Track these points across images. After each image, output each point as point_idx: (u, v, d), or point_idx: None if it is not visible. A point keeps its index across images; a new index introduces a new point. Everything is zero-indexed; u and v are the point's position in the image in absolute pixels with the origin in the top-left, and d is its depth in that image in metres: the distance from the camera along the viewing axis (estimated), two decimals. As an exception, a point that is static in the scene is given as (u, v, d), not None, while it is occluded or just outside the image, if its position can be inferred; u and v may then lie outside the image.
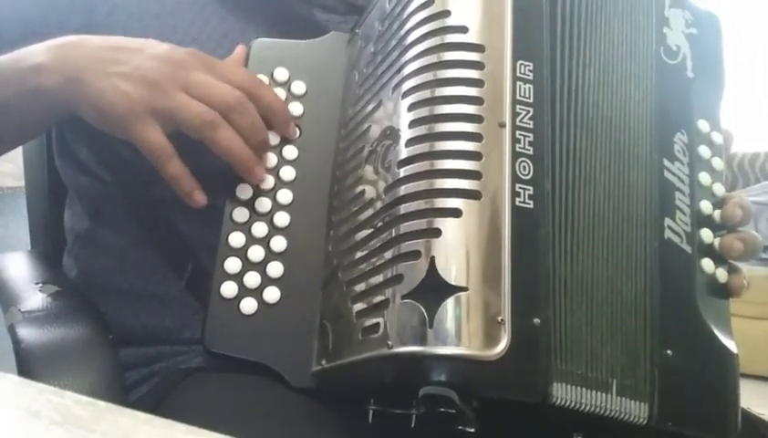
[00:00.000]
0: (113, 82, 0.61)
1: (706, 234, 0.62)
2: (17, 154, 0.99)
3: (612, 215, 0.58)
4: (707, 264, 0.61)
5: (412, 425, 0.52)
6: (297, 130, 0.68)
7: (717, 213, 0.63)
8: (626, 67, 0.62)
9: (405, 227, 0.52)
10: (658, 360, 0.56)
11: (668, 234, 0.59)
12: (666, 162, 0.61)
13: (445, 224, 0.51)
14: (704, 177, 0.63)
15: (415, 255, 0.51)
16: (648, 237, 0.59)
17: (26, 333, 0.64)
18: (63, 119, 0.70)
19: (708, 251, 0.61)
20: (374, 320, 0.53)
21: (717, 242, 0.62)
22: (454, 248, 0.50)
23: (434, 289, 0.49)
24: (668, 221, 0.60)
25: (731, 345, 0.59)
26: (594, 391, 0.53)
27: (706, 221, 0.62)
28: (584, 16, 0.60)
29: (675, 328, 0.58)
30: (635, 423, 0.54)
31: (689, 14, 0.66)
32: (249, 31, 0.72)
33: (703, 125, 0.64)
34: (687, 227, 0.60)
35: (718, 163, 0.64)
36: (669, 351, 0.56)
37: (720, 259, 0.62)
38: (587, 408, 0.52)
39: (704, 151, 0.64)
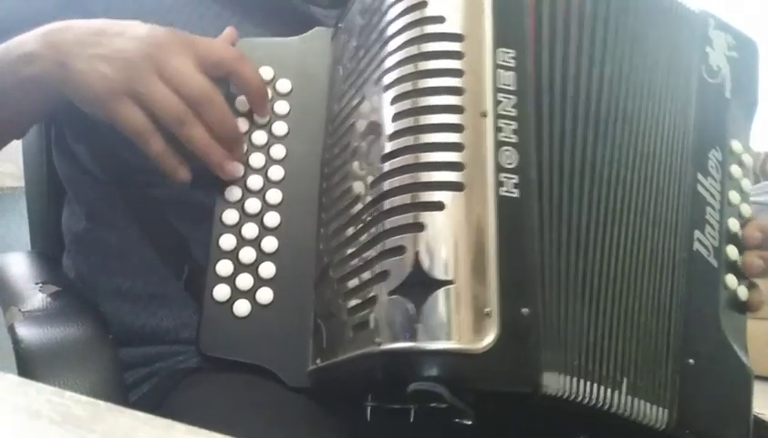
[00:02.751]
0: (93, 64, 0.61)
1: (732, 251, 0.63)
2: (17, 154, 0.99)
3: (634, 217, 0.58)
4: (731, 280, 0.62)
5: (411, 420, 0.52)
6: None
7: (741, 232, 0.64)
8: (663, 77, 0.62)
9: (390, 222, 0.52)
10: (679, 368, 0.56)
11: (696, 246, 0.60)
12: (700, 177, 0.62)
13: (430, 217, 0.50)
14: (734, 196, 0.65)
15: (400, 250, 0.50)
16: (677, 246, 0.59)
17: (26, 333, 0.64)
18: (57, 105, 0.71)
19: (732, 267, 0.63)
20: (364, 317, 0.52)
21: (741, 259, 0.63)
22: (439, 242, 0.50)
23: (421, 284, 0.49)
24: (698, 233, 0.61)
25: (747, 361, 0.60)
26: (596, 385, 0.53)
27: (733, 238, 0.63)
28: (589, 14, 0.60)
29: (698, 339, 0.58)
30: (653, 428, 0.55)
31: (731, 37, 0.68)
32: (245, 26, 0.72)
33: (736, 145, 0.66)
34: (715, 242, 0.61)
35: (747, 184, 0.66)
36: (691, 360, 0.57)
37: (742, 276, 0.63)
38: (588, 401, 0.52)
39: (736, 170, 0.65)
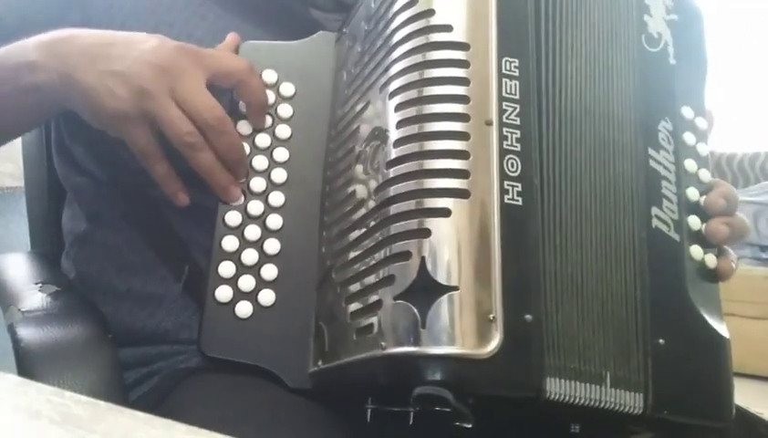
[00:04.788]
0: (104, 81, 0.62)
1: (694, 222, 0.62)
2: (17, 154, 0.99)
3: (599, 209, 0.58)
4: (695, 250, 0.61)
5: (410, 423, 0.52)
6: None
7: (704, 199, 0.63)
8: (608, 58, 0.61)
9: (395, 228, 0.52)
10: (650, 350, 0.56)
11: (655, 223, 0.59)
12: (651, 151, 0.61)
13: (435, 223, 0.51)
14: (690, 164, 0.63)
15: (406, 255, 0.51)
16: (635, 228, 0.58)
17: (26, 332, 0.64)
18: (57, 114, 0.71)
19: (696, 237, 0.61)
20: (368, 321, 0.53)
21: (704, 227, 0.62)
22: (445, 248, 0.50)
23: (426, 289, 0.50)
24: (655, 210, 0.60)
25: (722, 330, 0.59)
26: (588, 385, 0.53)
27: (693, 208, 0.62)
28: (565, 10, 0.60)
29: (666, 317, 0.58)
30: (630, 414, 0.55)
31: (669, 0, 0.66)
32: (245, 28, 0.72)
33: (687, 111, 0.64)
34: (674, 215, 0.60)
35: (703, 149, 0.64)
36: (661, 340, 0.57)
37: (708, 244, 0.62)
38: (582, 401, 0.53)
39: (689, 137, 0.64)
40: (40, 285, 0.74)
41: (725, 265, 0.62)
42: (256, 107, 0.67)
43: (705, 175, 0.64)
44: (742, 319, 2.42)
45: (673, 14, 0.66)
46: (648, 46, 0.64)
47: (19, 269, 0.83)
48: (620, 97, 0.61)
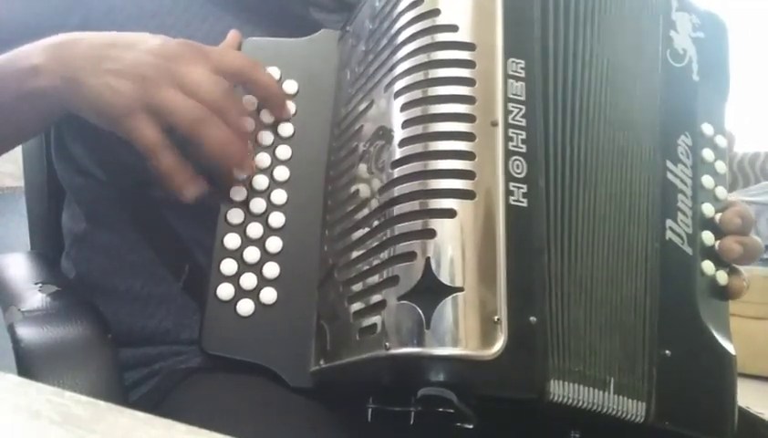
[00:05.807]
0: (107, 80, 0.61)
1: (707, 237, 0.62)
2: (17, 154, 0.99)
3: (613, 215, 0.58)
4: (707, 266, 0.61)
5: (411, 422, 0.52)
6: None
7: (719, 217, 0.63)
8: (631, 70, 0.62)
9: (400, 228, 0.52)
10: (656, 360, 0.56)
11: (669, 234, 0.60)
12: (669, 164, 0.61)
13: (440, 224, 0.51)
14: (707, 180, 0.64)
15: (410, 256, 0.51)
16: (649, 237, 0.59)
17: (26, 332, 0.64)
18: (61, 118, 0.71)
19: (709, 253, 0.62)
20: (371, 321, 0.53)
21: (718, 244, 0.62)
22: (449, 249, 0.50)
23: (430, 290, 0.50)
24: (669, 222, 0.60)
25: (729, 347, 0.60)
26: (591, 389, 0.53)
27: (708, 223, 0.63)
28: (582, 17, 0.60)
29: (674, 329, 0.58)
30: (632, 422, 0.55)
31: (695, 17, 0.66)
32: (246, 30, 0.72)
33: (707, 128, 0.65)
34: (688, 229, 0.61)
35: (721, 167, 0.65)
36: (667, 351, 0.57)
37: (720, 261, 0.62)
38: (585, 405, 0.53)
39: (708, 154, 0.64)
40: (40, 285, 0.74)
41: (736, 284, 0.63)
42: (274, 100, 0.67)
43: (722, 192, 0.64)
44: (742, 319, 2.42)
45: (699, 31, 0.66)
46: (673, 61, 0.64)
47: (19, 269, 0.83)
48: (641, 108, 0.62)
